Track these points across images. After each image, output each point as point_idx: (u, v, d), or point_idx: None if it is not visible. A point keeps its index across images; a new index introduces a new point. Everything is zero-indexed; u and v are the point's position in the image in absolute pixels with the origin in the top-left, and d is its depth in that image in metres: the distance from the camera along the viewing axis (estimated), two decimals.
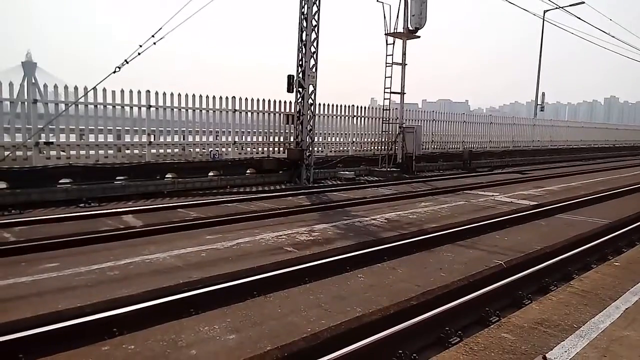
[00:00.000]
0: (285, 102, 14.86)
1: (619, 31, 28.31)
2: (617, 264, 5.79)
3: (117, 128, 11.74)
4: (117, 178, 11.09)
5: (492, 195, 12.19)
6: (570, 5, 26.61)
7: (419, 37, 16.87)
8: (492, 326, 3.94)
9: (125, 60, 9.42)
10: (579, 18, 23.93)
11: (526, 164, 23.96)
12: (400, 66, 17.01)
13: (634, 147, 39.51)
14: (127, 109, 11.78)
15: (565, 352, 3.36)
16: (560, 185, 14.65)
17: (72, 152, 10.97)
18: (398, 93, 17.25)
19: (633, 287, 4.80)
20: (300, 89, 14.06)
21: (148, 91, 11.99)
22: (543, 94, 32.99)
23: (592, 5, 25.42)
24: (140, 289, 4.81)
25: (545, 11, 29.25)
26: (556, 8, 25.98)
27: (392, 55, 16.72)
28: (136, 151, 11.96)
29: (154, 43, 9.57)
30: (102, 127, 11.46)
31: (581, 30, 24.67)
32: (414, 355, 4.00)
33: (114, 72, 9.39)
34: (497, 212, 9.83)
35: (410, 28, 16.46)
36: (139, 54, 9.50)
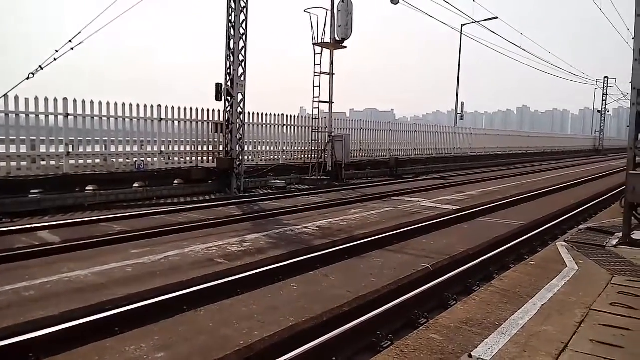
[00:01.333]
0: (214, 110, 14.61)
1: (530, 45, 30.56)
2: (532, 263, 6.20)
3: (32, 138, 10.97)
4: (32, 191, 10.37)
5: (418, 201, 12.64)
6: (485, 20, 28.41)
7: (345, 47, 17.25)
8: (421, 328, 4.07)
9: (40, 67, 8.94)
10: (493, 32, 25.67)
11: (448, 170, 25.09)
12: (328, 76, 17.30)
13: (544, 153, 42.57)
14: (43, 117, 11.06)
15: (489, 349, 3.53)
16: (479, 190, 15.48)
17: None
18: (326, 102, 17.52)
19: (547, 285, 5.15)
20: (229, 98, 13.89)
21: (65, 99, 11.33)
22: (462, 103, 34.74)
23: (505, 20, 27.26)
24: (59, 310, 4.51)
25: (462, 25, 30.99)
26: (472, 22, 27.77)
27: (320, 64, 16.98)
28: (53, 162, 11.24)
29: (72, 48, 9.17)
30: (15, 137, 10.67)
31: (496, 44, 26.49)
32: None
33: (27, 78, 8.89)
34: (423, 217, 10.20)
35: (337, 38, 16.82)
36: (55, 59, 9.05)
